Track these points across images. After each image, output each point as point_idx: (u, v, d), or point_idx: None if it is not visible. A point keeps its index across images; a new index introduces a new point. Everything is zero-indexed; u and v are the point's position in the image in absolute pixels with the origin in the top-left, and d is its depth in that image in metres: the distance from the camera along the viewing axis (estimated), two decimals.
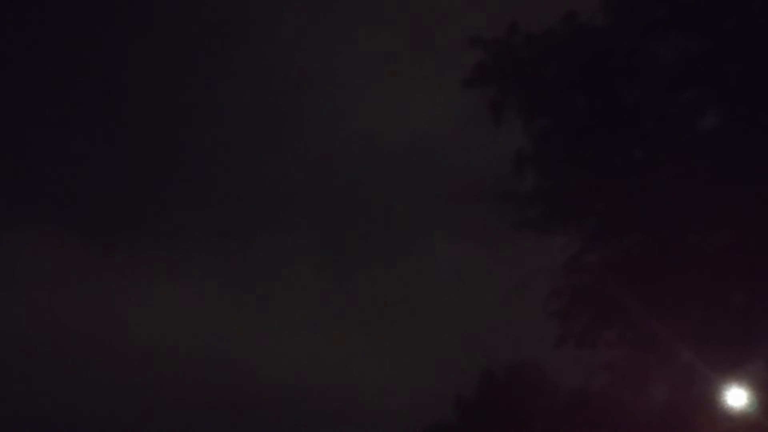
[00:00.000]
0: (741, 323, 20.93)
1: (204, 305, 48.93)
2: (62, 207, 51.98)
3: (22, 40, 52.22)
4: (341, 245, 51.90)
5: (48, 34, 52.79)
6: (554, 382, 28.29)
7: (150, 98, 54.67)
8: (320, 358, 44.58)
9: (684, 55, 21.50)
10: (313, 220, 52.49)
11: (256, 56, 54.94)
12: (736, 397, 21.95)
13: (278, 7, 52.75)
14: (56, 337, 44.13)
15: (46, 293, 47.45)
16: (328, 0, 51.79)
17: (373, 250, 50.71)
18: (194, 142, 55.70)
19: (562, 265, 22.74)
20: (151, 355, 44.14)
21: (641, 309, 21.53)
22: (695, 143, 21.48)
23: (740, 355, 21.47)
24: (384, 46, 51.36)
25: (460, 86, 22.61)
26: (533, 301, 22.97)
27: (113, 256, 50.00)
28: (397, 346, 43.71)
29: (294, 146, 54.28)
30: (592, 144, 22.11)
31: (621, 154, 21.97)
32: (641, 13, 21.67)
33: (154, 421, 40.11)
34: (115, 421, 40.44)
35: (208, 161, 54.52)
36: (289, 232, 53.00)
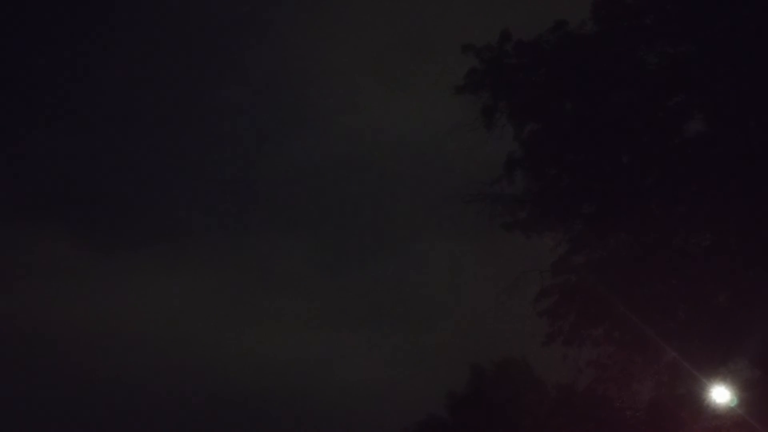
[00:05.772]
0: (724, 323, 21.24)
1: (202, 302, 49.19)
2: (62, 205, 52.25)
3: (22, 40, 52.49)
4: (336, 245, 52.20)
5: (48, 34, 53.07)
6: (541, 378, 28.76)
7: (149, 97, 55.03)
8: (316, 354, 44.87)
9: (671, 61, 21.77)
10: (309, 220, 52.71)
11: (253, 57, 55.24)
12: (720, 394, 22.17)
13: (276, 8, 53.04)
14: (56, 333, 44.34)
15: (46, 290, 47.70)
16: (326, 3, 52.10)
17: (367, 250, 50.92)
18: (193, 141, 56.04)
19: (550, 266, 23.18)
20: (151, 351, 44.42)
21: (627, 309, 21.83)
22: (682, 148, 21.78)
23: (724, 353, 21.74)
24: (381, 50, 51.67)
25: (454, 91, 22.97)
26: (523, 300, 23.41)
27: (113, 254, 50.38)
28: (390, 344, 43.96)
29: (291, 145, 54.54)
30: (580, 148, 22.42)
31: (608, 158, 22.23)
32: (629, 21, 21.97)
33: (152, 415, 40.32)
34: (114, 416, 40.64)
35: (206, 160, 54.79)
36: (286, 231, 53.26)
